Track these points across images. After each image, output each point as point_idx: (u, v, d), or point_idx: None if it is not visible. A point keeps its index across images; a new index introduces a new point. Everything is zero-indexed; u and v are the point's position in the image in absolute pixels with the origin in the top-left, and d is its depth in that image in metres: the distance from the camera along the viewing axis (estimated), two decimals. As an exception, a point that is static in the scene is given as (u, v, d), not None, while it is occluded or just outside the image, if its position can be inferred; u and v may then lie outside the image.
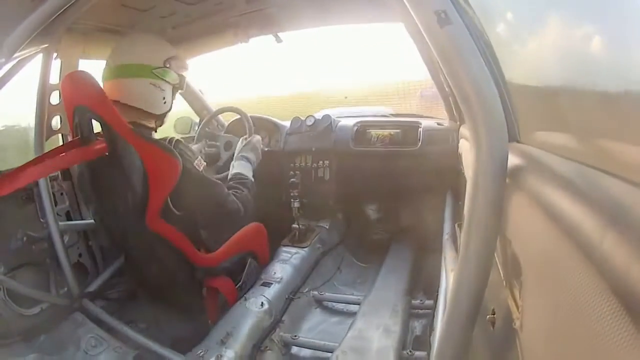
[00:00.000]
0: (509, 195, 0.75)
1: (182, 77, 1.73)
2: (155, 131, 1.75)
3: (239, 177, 1.93)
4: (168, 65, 1.65)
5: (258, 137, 2.19)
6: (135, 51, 1.61)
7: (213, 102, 3.10)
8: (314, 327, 2.02)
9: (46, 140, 1.92)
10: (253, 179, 1.97)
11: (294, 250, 2.37)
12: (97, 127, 1.52)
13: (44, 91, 1.87)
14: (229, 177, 1.95)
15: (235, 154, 2.11)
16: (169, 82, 1.66)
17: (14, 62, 1.66)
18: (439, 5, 0.75)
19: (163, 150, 1.50)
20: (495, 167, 0.75)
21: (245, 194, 1.82)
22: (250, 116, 2.46)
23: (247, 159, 2.04)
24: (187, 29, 2.23)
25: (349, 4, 1.92)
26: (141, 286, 1.98)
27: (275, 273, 2.12)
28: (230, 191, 1.77)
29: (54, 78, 1.96)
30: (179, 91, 1.79)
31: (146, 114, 1.65)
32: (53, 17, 1.25)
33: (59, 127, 2.08)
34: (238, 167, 1.99)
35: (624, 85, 0.52)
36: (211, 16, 2.10)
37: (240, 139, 2.18)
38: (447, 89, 2.09)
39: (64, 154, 1.49)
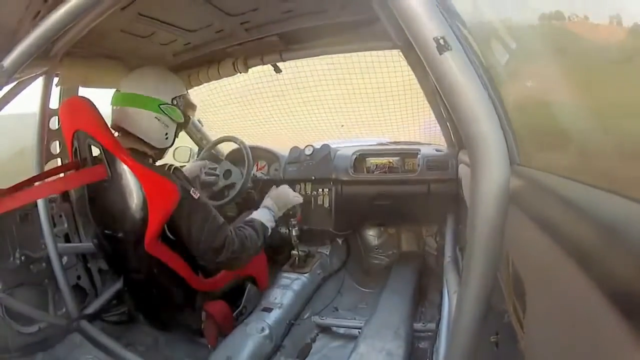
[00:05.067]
0: (511, 218, 0.75)
1: (187, 117, 1.76)
2: (154, 161, 1.75)
3: (250, 220, 1.88)
4: (175, 103, 1.68)
5: (284, 186, 2.17)
6: (146, 83, 1.64)
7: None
8: (316, 352, 2.00)
9: (45, 164, 1.92)
10: (269, 224, 1.91)
11: (294, 276, 2.37)
12: (95, 152, 1.53)
13: (43, 115, 1.88)
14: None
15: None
16: (173, 120, 1.69)
17: (14, 83, 1.68)
18: (438, 31, 0.76)
19: (161, 175, 1.51)
20: (496, 190, 0.75)
21: (249, 232, 1.76)
22: (249, 146, 2.48)
23: (268, 208, 2.01)
24: (187, 57, 2.25)
25: (346, 33, 1.94)
26: (140, 309, 1.96)
27: (275, 298, 2.11)
28: (236, 228, 1.73)
29: (54, 103, 1.97)
30: (182, 130, 1.81)
31: (147, 145, 1.67)
32: (53, 39, 1.26)
33: (58, 152, 2.09)
34: (256, 214, 1.95)
35: (623, 104, 0.52)
36: (211, 44, 2.12)
37: (272, 187, 2.16)
38: (445, 115, 2.10)
39: (63, 175, 1.49)
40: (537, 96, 0.82)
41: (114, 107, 1.65)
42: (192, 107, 1.80)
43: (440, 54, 0.76)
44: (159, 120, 1.64)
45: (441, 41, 0.75)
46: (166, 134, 1.69)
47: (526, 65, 0.84)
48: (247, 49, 2.18)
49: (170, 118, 1.67)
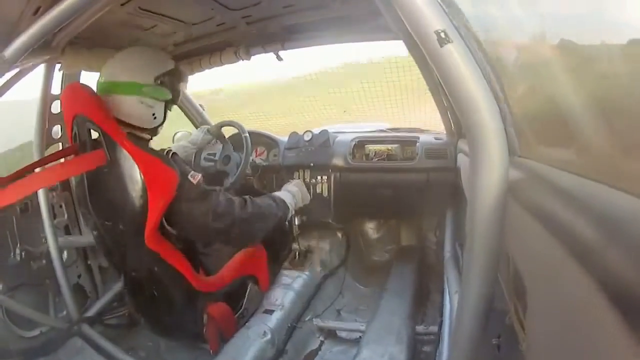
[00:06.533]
0: (510, 211, 0.75)
1: (175, 92, 1.70)
2: (151, 139, 1.73)
3: (271, 195, 1.90)
4: (159, 82, 1.62)
5: (299, 180, 2.18)
6: (126, 68, 1.59)
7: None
8: (319, 357, 2.00)
9: (46, 149, 1.94)
10: (290, 206, 1.92)
11: (295, 274, 2.37)
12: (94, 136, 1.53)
13: (45, 100, 1.90)
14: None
15: None
16: (159, 99, 1.63)
17: (16, 70, 1.68)
18: (439, 24, 0.76)
19: (161, 160, 1.50)
20: (495, 182, 0.75)
21: (267, 202, 1.78)
22: (249, 131, 2.47)
23: (289, 191, 2.02)
24: (189, 47, 2.25)
25: (349, 23, 1.93)
26: (141, 312, 1.93)
27: (277, 299, 2.10)
28: (257, 199, 1.75)
29: (56, 89, 1.99)
30: (173, 105, 1.76)
31: (139, 128, 1.64)
32: (53, 32, 1.27)
33: (59, 136, 2.10)
34: (278, 193, 1.96)
35: (624, 97, 0.52)
36: (212, 36, 2.13)
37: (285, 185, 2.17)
38: (445, 103, 2.10)
39: (63, 162, 1.49)
40: (538, 88, 0.81)
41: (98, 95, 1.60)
42: (182, 79, 1.74)
43: (442, 46, 0.76)
44: (142, 103, 1.58)
45: (442, 34, 0.76)
46: (153, 114, 1.64)
47: (527, 56, 0.84)
48: (249, 37, 2.18)
49: (155, 98, 1.62)
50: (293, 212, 1.96)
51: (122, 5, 1.56)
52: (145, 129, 1.66)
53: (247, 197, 1.70)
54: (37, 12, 1.29)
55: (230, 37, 2.15)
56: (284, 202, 1.87)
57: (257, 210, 1.69)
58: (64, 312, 2.04)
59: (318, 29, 2.03)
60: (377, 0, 1.14)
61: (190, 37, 2.11)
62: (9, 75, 1.62)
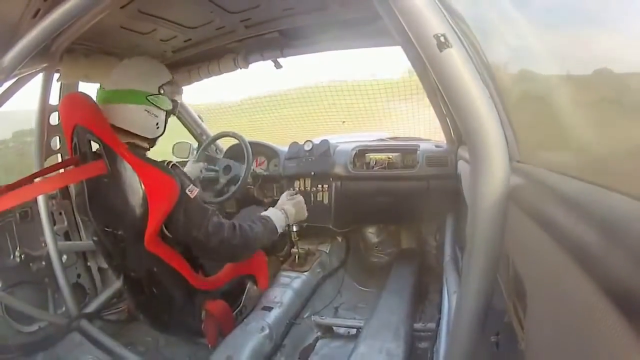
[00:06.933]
0: (511, 215, 0.75)
1: (175, 103, 1.73)
2: (149, 149, 1.74)
3: (263, 217, 1.86)
4: (162, 92, 1.64)
5: (301, 198, 2.13)
6: (130, 77, 1.60)
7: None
8: (316, 352, 1.99)
9: (45, 160, 1.93)
10: (279, 229, 1.88)
11: (294, 274, 2.36)
12: (95, 147, 1.52)
13: (43, 111, 1.89)
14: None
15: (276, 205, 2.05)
16: (162, 109, 1.65)
17: (14, 79, 1.68)
18: (439, 29, 0.76)
19: (161, 170, 1.49)
20: (496, 186, 0.75)
21: (257, 229, 1.74)
22: (249, 141, 2.48)
23: (284, 211, 1.98)
24: (187, 54, 2.25)
25: (347, 30, 1.94)
26: (140, 308, 1.93)
27: (275, 297, 2.09)
28: (246, 224, 1.72)
29: (54, 99, 1.98)
30: (172, 115, 1.77)
31: (140, 137, 1.64)
32: (53, 36, 1.27)
33: (58, 147, 2.10)
34: (269, 212, 1.93)
35: (624, 102, 0.52)
36: (211, 41, 2.13)
37: (285, 192, 2.13)
38: (445, 111, 2.10)
39: (63, 171, 1.48)
40: (537, 93, 0.81)
41: (100, 106, 1.58)
42: (179, 91, 1.77)
43: (441, 51, 0.76)
44: (148, 112, 1.60)
45: (442, 38, 0.76)
46: (157, 123, 1.66)
47: (527, 62, 0.84)
48: (247, 44, 2.19)
49: (159, 107, 1.64)
50: (282, 231, 1.92)
51: (121, 7, 1.57)
52: (146, 138, 1.67)
53: (237, 223, 1.69)
54: (37, 15, 1.29)
55: (229, 43, 2.15)
56: (274, 228, 1.84)
57: (244, 239, 1.67)
58: (63, 309, 2.04)
59: (317, 34, 2.04)
60: (376, 3, 1.14)
61: (189, 42, 2.11)
62: (7, 84, 1.62)
